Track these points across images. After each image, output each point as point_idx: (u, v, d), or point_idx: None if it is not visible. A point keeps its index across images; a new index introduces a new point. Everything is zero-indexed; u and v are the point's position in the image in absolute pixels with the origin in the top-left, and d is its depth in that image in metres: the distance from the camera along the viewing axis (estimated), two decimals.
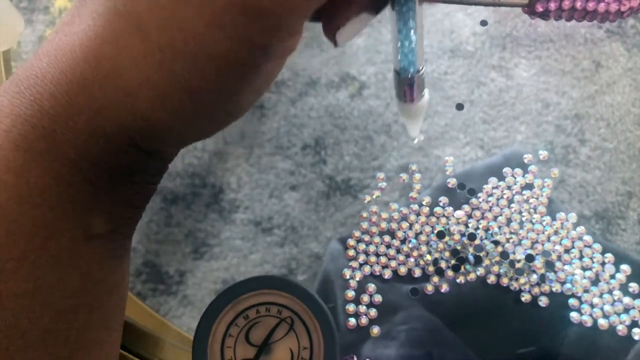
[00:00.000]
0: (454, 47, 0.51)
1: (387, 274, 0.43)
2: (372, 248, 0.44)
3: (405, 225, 0.44)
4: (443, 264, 0.43)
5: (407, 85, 0.32)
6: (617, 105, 0.48)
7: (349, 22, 0.28)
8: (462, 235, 0.44)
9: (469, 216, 0.44)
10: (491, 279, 0.42)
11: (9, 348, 0.25)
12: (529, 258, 0.43)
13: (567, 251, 0.43)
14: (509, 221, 0.44)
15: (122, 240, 0.29)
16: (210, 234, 0.46)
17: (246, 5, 0.23)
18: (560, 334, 0.41)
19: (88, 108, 0.25)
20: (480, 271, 0.43)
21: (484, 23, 0.50)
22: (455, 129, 0.48)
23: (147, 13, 0.23)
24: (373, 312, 0.42)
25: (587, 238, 0.43)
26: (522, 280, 0.42)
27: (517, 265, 0.43)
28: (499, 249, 0.43)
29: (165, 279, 0.45)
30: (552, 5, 0.47)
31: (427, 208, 0.45)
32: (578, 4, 0.46)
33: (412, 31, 0.29)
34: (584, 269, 0.43)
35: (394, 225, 0.44)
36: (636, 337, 0.41)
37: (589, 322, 0.41)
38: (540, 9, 0.47)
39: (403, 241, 0.44)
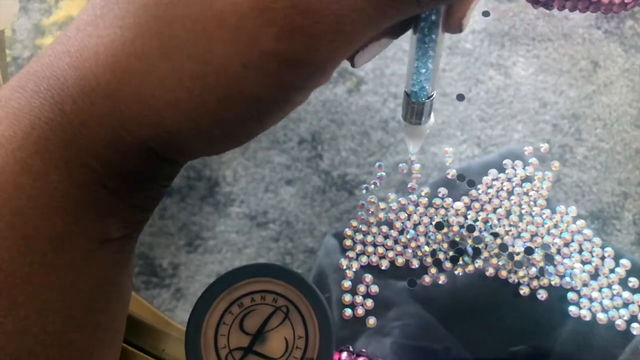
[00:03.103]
0: (452, 45, 0.50)
1: (384, 264, 0.43)
2: (369, 238, 0.43)
3: (403, 215, 0.44)
4: (441, 256, 0.42)
5: (416, 109, 0.32)
6: (614, 105, 0.48)
7: (369, 46, 0.28)
8: (461, 226, 0.43)
9: (468, 208, 0.44)
10: (490, 272, 0.42)
11: (19, 352, 0.25)
12: (528, 251, 0.42)
13: (566, 244, 0.43)
14: (508, 213, 0.43)
15: (132, 243, 0.29)
16: (204, 227, 0.46)
17: (285, 54, 0.23)
18: (555, 330, 0.41)
19: (111, 118, 0.24)
20: (479, 263, 0.42)
21: (486, 14, 0.50)
22: (452, 127, 0.48)
23: (182, 41, 0.23)
24: (369, 303, 0.42)
25: (587, 232, 0.43)
26: (521, 273, 0.42)
27: (516, 258, 0.42)
28: (498, 241, 0.43)
29: (159, 272, 0.45)
30: None
31: (426, 199, 0.44)
32: None
33: (430, 60, 0.29)
34: (583, 262, 0.42)
35: (392, 216, 0.44)
36: (635, 332, 0.40)
37: (587, 316, 0.41)
38: None
39: (401, 232, 0.43)
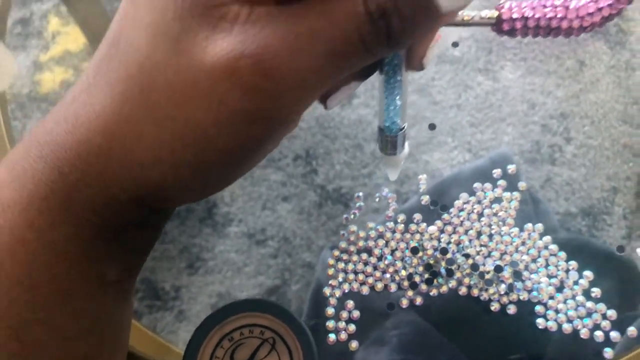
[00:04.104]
0: (440, 53, 0.51)
1: (365, 290, 0.44)
2: (350, 266, 0.45)
3: (381, 242, 0.46)
4: (417, 278, 0.44)
5: (390, 141, 0.34)
6: (601, 102, 0.48)
7: (339, 91, 0.31)
8: (435, 249, 0.45)
9: (442, 231, 0.46)
10: (462, 291, 0.44)
11: None
12: (498, 269, 0.44)
13: (533, 260, 0.44)
14: (479, 234, 0.45)
15: (131, 282, 0.32)
16: (204, 249, 0.47)
17: (251, 112, 0.25)
18: (538, 341, 0.43)
19: (104, 177, 0.27)
20: (452, 283, 0.44)
21: (455, 44, 0.51)
22: (443, 134, 0.48)
23: (162, 106, 0.26)
24: (352, 328, 0.44)
25: (553, 247, 0.44)
26: (491, 290, 0.43)
27: (487, 277, 0.44)
28: (470, 261, 0.44)
29: (162, 295, 0.46)
30: (518, 24, 0.48)
31: (402, 225, 0.46)
32: (542, 22, 0.48)
33: (398, 97, 0.32)
34: (549, 276, 0.44)
35: (371, 243, 0.46)
36: (598, 340, 0.42)
37: (554, 327, 0.42)
38: (507, 28, 0.49)
39: (380, 258, 0.45)
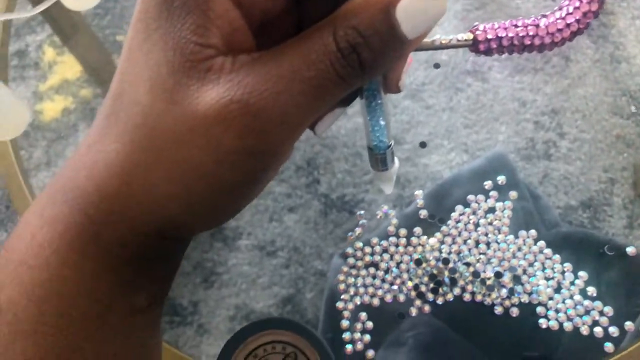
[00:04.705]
0: (428, 58, 0.53)
1: (375, 302, 0.46)
2: (359, 280, 0.47)
3: (386, 256, 0.48)
4: (423, 288, 0.46)
5: (380, 159, 0.36)
6: (590, 96, 0.50)
7: (326, 117, 0.34)
8: (437, 260, 0.47)
9: (442, 242, 0.48)
10: (467, 297, 0.46)
11: None
12: (498, 275, 0.46)
13: (530, 265, 0.47)
14: (477, 243, 0.47)
15: (159, 309, 0.34)
16: (217, 263, 0.48)
17: (245, 149, 0.28)
18: (547, 341, 0.45)
19: (124, 215, 0.29)
20: (457, 291, 0.46)
21: (436, 66, 0.53)
22: (439, 137, 0.50)
23: (166, 150, 0.28)
24: (367, 338, 0.46)
25: (547, 251, 0.47)
26: (494, 295, 0.46)
27: (488, 282, 0.46)
28: (471, 269, 0.47)
29: (180, 311, 0.47)
30: (493, 44, 0.50)
31: (404, 239, 0.48)
32: (515, 41, 0.50)
33: (380, 118, 0.34)
34: (546, 279, 0.46)
35: (377, 258, 0.48)
36: (598, 336, 0.44)
37: (555, 326, 0.45)
38: (483, 48, 0.51)
39: (386, 271, 0.47)
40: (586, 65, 0.51)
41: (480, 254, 0.47)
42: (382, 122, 0.34)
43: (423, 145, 0.50)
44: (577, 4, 0.50)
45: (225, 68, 0.28)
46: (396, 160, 0.37)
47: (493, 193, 0.48)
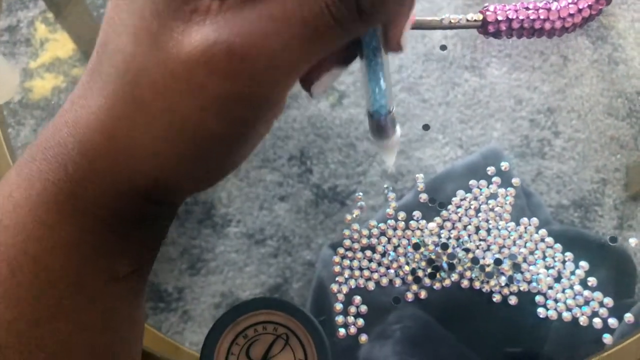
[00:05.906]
0: (427, 52, 0.52)
1: (371, 286, 0.46)
2: (355, 263, 0.46)
3: (384, 240, 0.47)
4: (420, 273, 0.46)
5: (380, 125, 0.35)
6: (586, 96, 0.50)
7: (322, 77, 0.32)
8: (436, 245, 0.46)
9: (441, 227, 0.47)
10: (464, 284, 0.45)
11: None
12: (497, 262, 0.46)
13: (531, 253, 0.46)
14: (477, 229, 0.47)
15: (142, 281, 0.33)
16: (205, 250, 0.47)
17: (232, 95, 0.26)
18: (540, 331, 0.44)
19: (106, 172, 0.28)
20: (455, 277, 0.45)
21: (443, 48, 0.53)
22: (434, 131, 0.49)
23: (150, 99, 0.27)
24: (360, 322, 0.45)
25: (549, 239, 0.46)
26: (492, 282, 0.45)
27: (487, 269, 0.45)
28: (470, 255, 0.46)
29: (165, 297, 0.46)
30: (503, 26, 0.50)
31: (403, 222, 0.47)
32: (526, 24, 0.49)
33: (381, 79, 0.32)
34: (547, 267, 0.45)
35: (374, 241, 0.47)
36: (597, 327, 0.44)
37: (554, 316, 0.44)
38: (492, 30, 0.50)
39: (383, 255, 0.46)
40: (584, 65, 0.51)
41: (480, 240, 0.46)
42: (382, 84, 0.32)
43: (426, 127, 0.50)
44: None
45: (212, 9, 0.26)
46: (398, 128, 0.36)
47: (495, 179, 0.48)
